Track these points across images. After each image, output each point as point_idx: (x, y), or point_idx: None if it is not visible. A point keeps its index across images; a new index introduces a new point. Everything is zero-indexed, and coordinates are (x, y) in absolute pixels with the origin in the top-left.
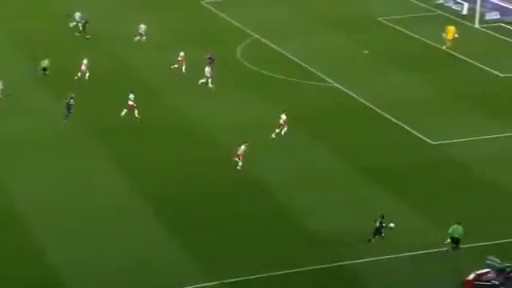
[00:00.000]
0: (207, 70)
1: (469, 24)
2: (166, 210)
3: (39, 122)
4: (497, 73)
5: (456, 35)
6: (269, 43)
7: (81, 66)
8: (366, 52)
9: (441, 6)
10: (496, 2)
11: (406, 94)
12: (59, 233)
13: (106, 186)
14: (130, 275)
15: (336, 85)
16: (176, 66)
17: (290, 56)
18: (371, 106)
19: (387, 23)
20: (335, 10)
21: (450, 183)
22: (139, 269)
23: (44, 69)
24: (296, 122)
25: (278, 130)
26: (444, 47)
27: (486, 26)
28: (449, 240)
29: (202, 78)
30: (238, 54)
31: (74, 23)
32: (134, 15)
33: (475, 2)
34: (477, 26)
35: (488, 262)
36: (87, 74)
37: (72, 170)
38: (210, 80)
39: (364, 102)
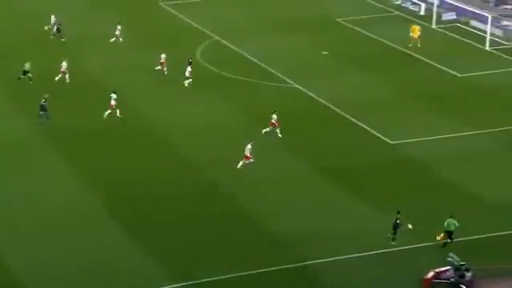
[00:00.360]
0: (189, 69)
1: (426, 24)
2: (127, 212)
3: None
4: (454, 73)
5: (419, 34)
6: (229, 44)
7: (60, 68)
8: (326, 53)
9: (398, 7)
10: (452, 2)
11: (364, 94)
12: (17, 236)
13: (65, 189)
14: (92, 278)
15: (296, 85)
16: (159, 67)
17: (249, 57)
18: (331, 106)
19: (346, 24)
20: (294, 12)
21: (408, 183)
22: (101, 271)
23: (25, 72)
24: (256, 123)
25: (268, 129)
26: (410, 45)
27: (442, 26)
28: (442, 234)
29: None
30: (198, 56)
31: (50, 26)
32: (94, 16)
33: (432, 3)
34: (434, 26)
35: (449, 259)
36: (67, 76)
37: (31, 172)
38: (188, 80)
39: (323, 102)
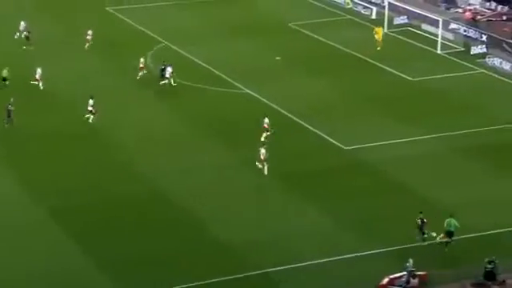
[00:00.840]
0: (169, 70)
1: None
2: (70, 219)
3: None
4: (406, 77)
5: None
6: (179, 50)
7: (35, 75)
8: (278, 58)
9: (350, 11)
10: (404, 6)
11: (317, 99)
12: None
13: (6, 197)
14: (39, 285)
15: (248, 91)
16: (141, 73)
17: (200, 63)
18: (283, 112)
19: (298, 28)
20: (246, 16)
21: (361, 187)
22: (44, 280)
23: (4, 79)
24: (207, 130)
25: (265, 134)
26: (378, 48)
27: (394, 30)
28: (442, 235)
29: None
30: (148, 61)
31: (19, 34)
32: (39, 21)
33: (383, 7)
34: (385, 30)
35: (407, 264)
36: (41, 83)
37: None
38: (170, 80)
39: (276, 107)
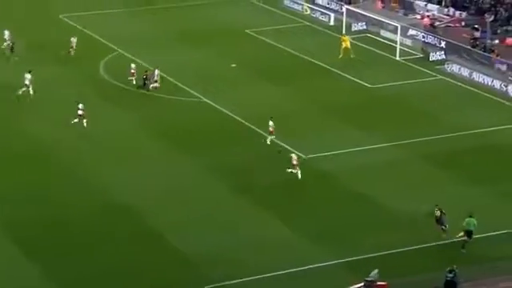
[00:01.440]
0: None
1: (336, 35)
2: (23, 235)
3: None
4: (365, 84)
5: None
6: (133, 58)
7: (24, 81)
8: (234, 65)
9: (308, 17)
10: (362, 12)
11: (276, 107)
12: None
13: None
14: None
15: (204, 99)
16: (132, 78)
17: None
18: (241, 120)
19: (255, 35)
20: (202, 23)
21: (322, 197)
22: None
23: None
24: (163, 139)
25: (270, 138)
26: (352, 56)
27: (352, 36)
28: (461, 233)
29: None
30: (101, 69)
31: (5, 44)
32: None
33: (341, 13)
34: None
35: (371, 274)
36: (31, 89)
37: None
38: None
39: (233, 116)
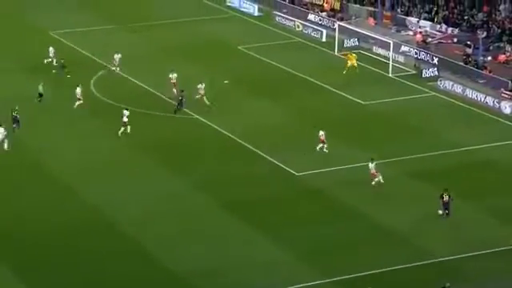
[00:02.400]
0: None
1: (328, 51)
2: (8, 250)
3: None
4: (358, 100)
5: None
6: (123, 74)
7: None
8: (227, 82)
9: (300, 34)
10: (354, 28)
11: (268, 123)
12: None
13: None
14: None
15: (196, 116)
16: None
17: (147, 87)
18: (233, 137)
19: (248, 52)
20: (194, 39)
21: (314, 214)
22: None
23: (40, 94)
24: (152, 156)
25: (321, 145)
26: (357, 70)
27: (345, 53)
28: None
29: None
30: (92, 86)
31: (49, 59)
32: None
33: (334, 30)
34: (336, 53)
35: None
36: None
37: None
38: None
39: (225, 132)
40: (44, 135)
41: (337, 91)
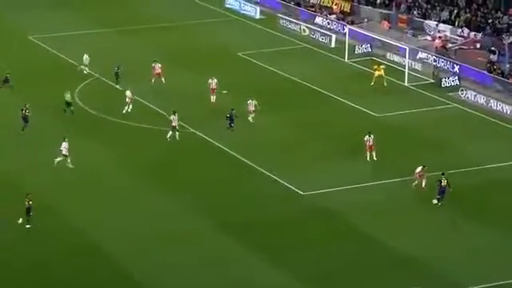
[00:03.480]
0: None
1: (337, 58)
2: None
3: None
4: (371, 112)
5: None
6: (112, 84)
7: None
8: (225, 92)
9: (306, 39)
10: (366, 33)
11: (271, 137)
12: None
13: None
14: None
15: (192, 130)
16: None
17: (139, 99)
18: (232, 153)
19: (249, 59)
20: (189, 45)
21: (321, 237)
22: None
23: (67, 103)
24: (144, 174)
25: (369, 153)
26: (385, 83)
27: (356, 60)
28: None
29: None
30: (76, 96)
31: (83, 68)
32: None
33: (343, 34)
34: (346, 60)
35: None
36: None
37: None
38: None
39: (225, 148)
40: (24, 153)
41: (347, 102)
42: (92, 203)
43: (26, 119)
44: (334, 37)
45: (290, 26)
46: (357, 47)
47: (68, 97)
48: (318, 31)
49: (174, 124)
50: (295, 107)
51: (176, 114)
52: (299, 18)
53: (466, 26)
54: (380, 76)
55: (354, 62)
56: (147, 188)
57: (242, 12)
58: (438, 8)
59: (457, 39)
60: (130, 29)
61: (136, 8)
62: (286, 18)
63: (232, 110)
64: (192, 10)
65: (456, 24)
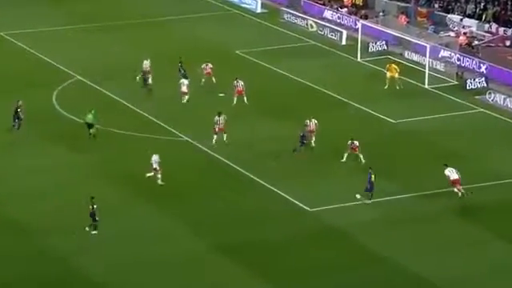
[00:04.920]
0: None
1: (349, 57)
2: None
3: None
4: (387, 118)
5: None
6: (95, 86)
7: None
8: (222, 95)
9: (314, 35)
10: (381, 29)
11: (275, 147)
12: None
13: None
14: None
15: (186, 138)
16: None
17: (125, 103)
18: (230, 164)
19: (249, 57)
20: (181, 42)
21: (331, 259)
22: None
23: (88, 125)
24: (135, 188)
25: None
26: (398, 87)
27: (370, 59)
28: None
29: None
30: (54, 100)
31: (141, 75)
32: None
33: (356, 30)
34: (359, 59)
35: None
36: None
37: None
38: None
39: (221, 158)
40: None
41: (361, 107)
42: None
43: (18, 117)
44: (344, 33)
45: (295, 21)
46: (371, 45)
47: (90, 118)
48: (327, 27)
49: (219, 127)
50: (300, 112)
51: (222, 116)
52: (306, 11)
53: (494, 21)
54: (392, 78)
55: (367, 61)
56: (133, 203)
57: (242, 5)
58: (462, 0)
59: (484, 36)
60: (114, 24)
61: (123, 1)
62: (291, 11)
63: (305, 125)
64: (186, 3)
65: (483, 19)
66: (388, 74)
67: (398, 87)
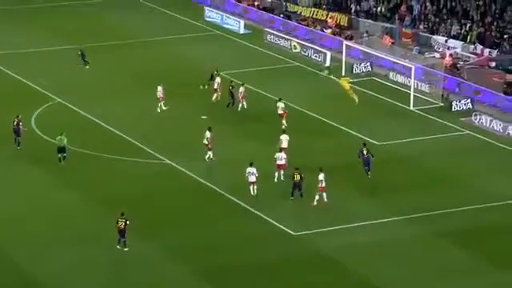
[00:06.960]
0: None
1: (333, 78)
2: None
3: None
4: (371, 140)
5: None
6: (75, 108)
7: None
8: (205, 117)
9: (297, 57)
10: (366, 50)
11: (260, 169)
12: None
13: None
14: None
15: (168, 161)
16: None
17: (107, 126)
18: (214, 188)
19: (231, 79)
20: (163, 64)
21: (315, 286)
22: None
23: (59, 149)
24: (114, 213)
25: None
26: (356, 101)
27: (354, 80)
28: None
29: None
30: (33, 123)
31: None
32: None
33: (340, 52)
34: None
35: None
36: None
37: None
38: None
39: (204, 182)
40: None
41: (345, 129)
42: (50, 246)
43: (17, 132)
44: (329, 54)
45: (278, 42)
46: (355, 66)
47: (59, 139)
48: (311, 48)
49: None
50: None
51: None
52: (289, 32)
53: (479, 42)
54: (346, 91)
55: (350, 82)
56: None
57: (224, 26)
58: (447, 22)
59: (469, 57)
60: (96, 46)
61: (103, 22)
62: (274, 32)
63: (364, 143)
64: (167, 25)
65: (468, 40)
66: (346, 87)
67: (356, 101)
